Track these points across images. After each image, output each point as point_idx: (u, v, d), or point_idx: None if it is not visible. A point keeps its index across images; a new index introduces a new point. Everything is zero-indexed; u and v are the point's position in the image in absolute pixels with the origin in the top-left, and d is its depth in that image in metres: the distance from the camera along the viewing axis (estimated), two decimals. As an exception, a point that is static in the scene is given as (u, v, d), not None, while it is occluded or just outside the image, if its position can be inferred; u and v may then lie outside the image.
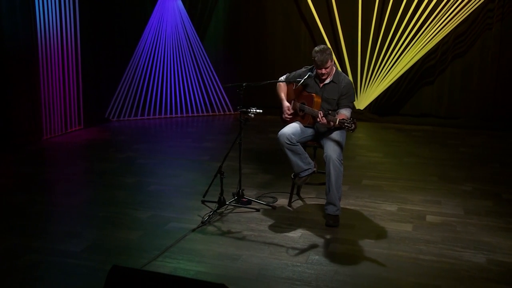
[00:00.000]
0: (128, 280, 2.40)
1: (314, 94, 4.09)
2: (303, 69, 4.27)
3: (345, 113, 4.00)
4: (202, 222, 3.99)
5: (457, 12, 7.16)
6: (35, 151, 6.23)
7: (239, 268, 3.33)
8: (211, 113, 8.36)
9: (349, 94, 4.08)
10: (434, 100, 7.71)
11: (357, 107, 7.86)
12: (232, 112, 8.32)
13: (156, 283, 2.36)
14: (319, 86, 4.13)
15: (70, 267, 3.34)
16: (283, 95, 4.34)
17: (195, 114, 8.31)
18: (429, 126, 7.49)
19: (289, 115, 4.25)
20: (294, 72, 4.33)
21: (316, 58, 3.98)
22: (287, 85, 4.38)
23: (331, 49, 4.07)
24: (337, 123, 3.76)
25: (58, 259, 3.44)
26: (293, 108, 4.26)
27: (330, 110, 4.06)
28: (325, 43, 7.67)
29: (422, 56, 7.51)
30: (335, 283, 3.14)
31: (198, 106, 8.33)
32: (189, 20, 8.13)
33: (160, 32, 8.02)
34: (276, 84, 4.42)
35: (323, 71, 4.02)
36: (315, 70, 4.11)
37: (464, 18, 7.22)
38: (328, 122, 3.83)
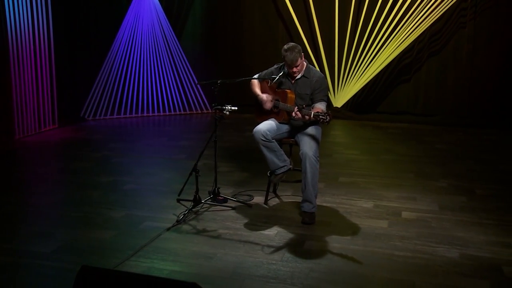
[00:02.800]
0: (98, 280, 2.35)
1: (288, 90, 4.08)
2: (275, 67, 4.27)
3: (320, 106, 4.00)
4: (177, 221, 3.94)
5: (432, 11, 7.24)
6: (7, 151, 6.09)
7: (214, 266, 3.29)
8: (188, 112, 8.29)
9: (322, 88, 4.08)
10: (411, 97, 7.78)
11: (334, 105, 7.88)
12: (210, 111, 8.27)
13: (126, 282, 2.31)
14: (291, 82, 4.13)
15: (39, 268, 3.26)
16: (257, 90, 4.30)
17: (172, 113, 8.24)
18: (405, 124, 7.55)
19: (271, 100, 4.15)
20: (266, 71, 4.32)
21: (286, 58, 3.97)
22: (260, 84, 4.36)
23: (300, 46, 4.05)
24: (312, 116, 3.75)
25: (27, 261, 3.35)
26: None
27: (304, 105, 4.05)
28: (302, 41, 7.69)
29: (399, 54, 7.57)
30: (310, 281, 3.12)
31: (175, 104, 8.26)
32: (166, 18, 8.05)
33: (136, 30, 7.92)
34: (250, 83, 4.39)
35: (294, 69, 4.01)
36: (285, 67, 4.10)
37: (439, 17, 7.30)
38: (303, 116, 3.82)
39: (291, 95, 4.06)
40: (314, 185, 3.93)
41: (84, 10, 8.16)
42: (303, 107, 3.87)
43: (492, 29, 7.28)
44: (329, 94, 7.86)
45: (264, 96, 4.21)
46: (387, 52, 7.50)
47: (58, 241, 3.65)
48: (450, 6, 7.22)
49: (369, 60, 7.63)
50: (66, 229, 3.90)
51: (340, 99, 7.89)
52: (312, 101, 4.09)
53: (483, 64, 7.39)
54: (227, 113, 4.11)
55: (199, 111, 8.32)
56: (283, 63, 4.14)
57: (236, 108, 4.13)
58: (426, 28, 7.38)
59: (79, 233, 3.81)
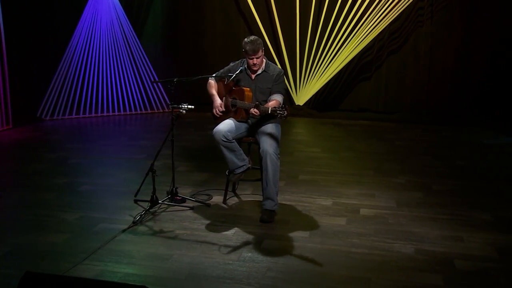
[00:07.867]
0: (43, 286, 2.27)
1: (244, 88, 4.06)
2: (231, 64, 4.24)
3: (277, 98, 4.02)
4: (133, 222, 3.86)
5: (391, 9, 7.35)
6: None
7: (169, 268, 3.23)
8: (149, 111, 8.16)
9: (280, 80, 4.12)
10: (372, 95, 7.87)
11: (296, 103, 7.91)
12: (171, 110, 8.14)
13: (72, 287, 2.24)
14: (251, 79, 4.11)
15: (-17, 275, 3.12)
16: (214, 91, 4.27)
17: (133, 112, 8.09)
18: (366, 121, 7.63)
19: (220, 112, 4.18)
20: (223, 69, 4.28)
21: (247, 48, 3.96)
22: (217, 83, 4.32)
23: (261, 41, 4.06)
24: (269, 111, 3.74)
25: (-27, 268, 3.21)
26: (225, 105, 4.20)
27: (265, 100, 4.05)
28: (264, 40, 7.66)
29: (359, 52, 7.65)
30: (266, 280, 3.10)
31: (136, 103, 8.11)
32: (125, 15, 7.89)
33: (94, 27, 7.72)
34: (207, 82, 4.35)
35: (255, 60, 4.00)
36: (245, 64, 4.07)
37: (398, 15, 7.41)
38: (261, 112, 3.81)
39: (248, 93, 4.03)
40: (275, 183, 3.92)
41: (39, 5, 7.90)
42: (260, 104, 3.85)
43: (448, 28, 7.43)
44: (291, 92, 7.88)
45: (218, 103, 4.18)
46: (348, 50, 7.57)
47: (7, 246, 3.50)
48: (408, 5, 7.34)
49: (330, 58, 7.68)
50: (17, 233, 3.75)
51: (302, 97, 7.91)
52: (270, 93, 4.09)
53: (440, 62, 7.55)
54: (184, 111, 4.06)
55: (160, 110, 8.20)
56: (240, 59, 4.12)
57: (192, 106, 4.08)
58: (386, 27, 7.48)
59: (31, 237, 3.67)
